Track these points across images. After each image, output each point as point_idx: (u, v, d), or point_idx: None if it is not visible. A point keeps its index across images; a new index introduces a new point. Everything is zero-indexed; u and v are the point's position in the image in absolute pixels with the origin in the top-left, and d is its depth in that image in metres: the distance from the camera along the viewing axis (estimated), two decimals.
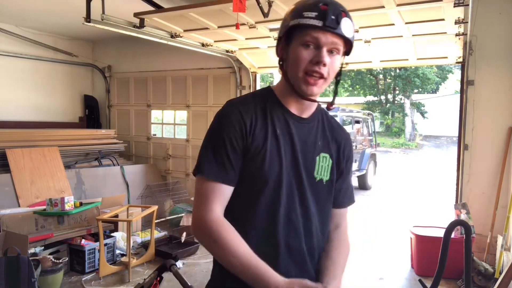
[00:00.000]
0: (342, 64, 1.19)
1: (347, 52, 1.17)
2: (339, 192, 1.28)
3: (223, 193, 1.11)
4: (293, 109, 1.19)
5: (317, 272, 1.23)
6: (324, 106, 1.26)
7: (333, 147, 1.25)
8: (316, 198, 1.20)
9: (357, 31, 3.66)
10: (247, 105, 1.15)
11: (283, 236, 1.14)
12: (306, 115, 1.21)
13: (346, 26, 1.08)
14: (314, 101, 1.18)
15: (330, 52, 1.10)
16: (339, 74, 1.19)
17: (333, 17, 1.06)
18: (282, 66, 1.18)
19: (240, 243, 1.06)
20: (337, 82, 1.21)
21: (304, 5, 1.09)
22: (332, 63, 1.11)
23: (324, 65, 1.09)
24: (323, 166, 1.21)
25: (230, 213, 1.13)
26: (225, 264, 1.08)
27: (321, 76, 1.10)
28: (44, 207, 4.04)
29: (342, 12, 1.07)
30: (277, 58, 1.19)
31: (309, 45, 1.08)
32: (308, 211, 1.18)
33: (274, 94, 1.20)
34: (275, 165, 1.12)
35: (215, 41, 4.71)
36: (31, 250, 3.58)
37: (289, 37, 1.13)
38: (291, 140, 1.16)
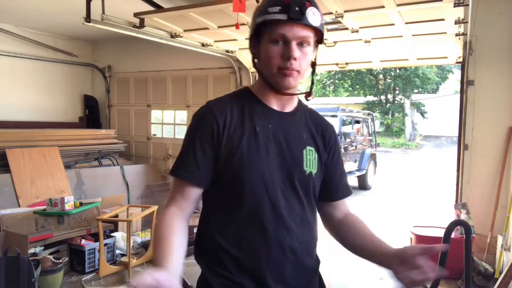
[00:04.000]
0: (316, 54, 1.18)
1: (319, 41, 1.16)
2: (333, 184, 1.27)
3: (186, 191, 1.12)
4: (274, 105, 1.18)
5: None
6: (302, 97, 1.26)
7: (319, 140, 1.23)
8: (307, 192, 1.18)
9: (356, 31, 3.66)
10: (223, 105, 1.15)
11: (274, 235, 1.11)
12: (288, 109, 1.20)
13: (312, 15, 1.06)
14: (292, 94, 1.17)
15: (300, 44, 1.08)
16: (314, 64, 1.19)
17: (297, 8, 1.04)
18: (256, 64, 1.18)
19: (168, 233, 1.06)
20: (313, 72, 1.22)
21: (269, 1, 1.08)
22: (304, 56, 1.10)
23: (295, 59, 1.07)
24: (310, 159, 1.19)
25: (215, 217, 1.15)
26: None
27: (293, 70, 1.09)
28: (44, 207, 4.04)
29: (306, 2, 1.05)
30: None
31: (277, 41, 1.07)
32: (302, 204, 1.17)
33: (252, 92, 1.20)
34: (255, 163, 1.10)
35: (215, 41, 4.71)
36: (31, 250, 3.58)
37: (259, 35, 1.13)
38: (274, 135, 1.14)
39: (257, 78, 1.23)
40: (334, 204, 1.29)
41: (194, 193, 1.13)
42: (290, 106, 1.20)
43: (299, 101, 1.25)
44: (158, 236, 1.05)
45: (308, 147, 1.19)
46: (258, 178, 1.10)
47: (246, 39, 4.50)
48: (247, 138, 1.11)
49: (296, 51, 1.07)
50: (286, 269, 1.13)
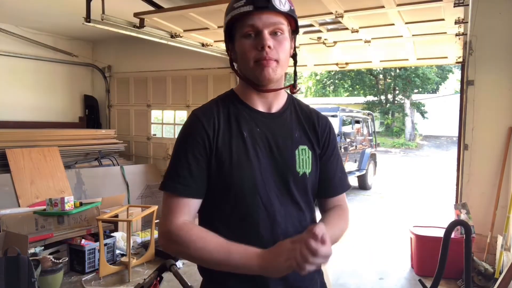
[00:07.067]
0: (295, 45, 1.15)
1: (295, 31, 1.13)
2: (330, 180, 1.22)
3: (187, 206, 1.07)
4: (259, 106, 1.15)
5: (315, 274, 1.20)
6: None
7: (312, 135, 1.19)
8: (303, 193, 1.15)
9: (356, 31, 3.66)
10: (209, 112, 1.11)
11: (272, 242, 1.06)
12: (275, 109, 1.16)
13: (279, 2, 1.04)
14: (275, 90, 1.13)
15: (274, 34, 1.05)
16: (294, 56, 1.16)
17: None
18: (234, 67, 1.16)
19: (207, 238, 1.01)
20: (294, 64, 1.18)
21: None
22: (280, 44, 1.06)
23: (269, 47, 1.04)
24: (303, 159, 1.15)
25: (211, 225, 1.09)
26: (202, 264, 1.07)
27: (271, 59, 1.05)
28: (44, 207, 4.04)
29: None
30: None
31: (249, 34, 1.05)
32: (300, 209, 1.14)
33: (236, 95, 1.16)
34: (244, 169, 1.07)
35: (215, 41, 4.71)
36: (31, 250, 3.57)
37: (232, 35, 1.11)
38: (263, 139, 1.11)
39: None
40: (329, 200, 1.24)
41: (196, 205, 1.10)
42: (277, 105, 1.17)
43: (288, 98, 1.21)
44: (211, 250, 0.99)
45: (301, 146, 1.15)
46: (249, 186, 1.07)
47: None
48: (236, 145, 1.08)
49: (269, 40, 1.04)
50: (288, 274, 1.10)
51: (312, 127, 1.20)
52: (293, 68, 1.22)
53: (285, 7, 1.05)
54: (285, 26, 1.07)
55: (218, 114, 1.11)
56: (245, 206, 1.08)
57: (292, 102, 1.21)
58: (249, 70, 1.08)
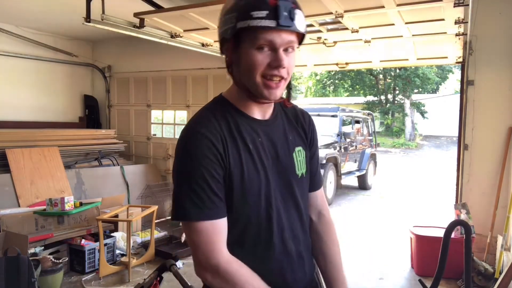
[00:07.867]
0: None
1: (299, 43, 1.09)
2: (313, 175, 1.24)
3: (222, 228, 1.02)
4: (256, 114, 1.11)
5: (313, 267, 1.24)
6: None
7: (301, 132, 1.20)
8: (302, 194, 1.17)
9: (356, 31, 3.66)
10: (213, 128, 1.03)
11: (283, 248, 1.10)
12: (268, 115, 1.14)
13: (300, 20, 0.98)
14: (271, 101, 1.10)
15: (285, 50, 1.01)
16: None
17: (285, 13, 0.95)
18: (231, 71, 1.08)
19: (253, 283, 1.02)
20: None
21: (250, 3, 0.97)
22: (290, 62, 1.03)
23: (283, 67, 1.01)
24: (300, 161, 1.16)
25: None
26: None
27: (281, 78, 1.02)
28: (44, 207, 4.04)
29: (292, 5, 0.97)
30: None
31: (263, 47, 0.99)
32: (300, 210, 1.15)
33: (230, 103, 1.10)
34: (255, 184, 1.06)
35: (215, 41, 4.71)
36: (31, 250, 3.57)
37: (237, 39, 1.02)
38: (264, 149, 1.09)
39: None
40: (312, 195, 1.27)
41: (226, 224, 1.05)
42: (270, 111, 1.15)
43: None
44: None
45: (297, 148, 1.16)
46: (261, 200, 1.07)
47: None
48: (245, 159, 1.05)
49: (285, 60, 1.00)
50: (297, 275, 1.13)
51: (301, 125, 1.22)
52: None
53: (303, 27, 1.01)
54: (296, 43, 1.04)
55: (221, 128, 1.04)
56: (259, 221, 1.07)
57: (279, 104, 1.20)
58: (253, 84, 1.03)
